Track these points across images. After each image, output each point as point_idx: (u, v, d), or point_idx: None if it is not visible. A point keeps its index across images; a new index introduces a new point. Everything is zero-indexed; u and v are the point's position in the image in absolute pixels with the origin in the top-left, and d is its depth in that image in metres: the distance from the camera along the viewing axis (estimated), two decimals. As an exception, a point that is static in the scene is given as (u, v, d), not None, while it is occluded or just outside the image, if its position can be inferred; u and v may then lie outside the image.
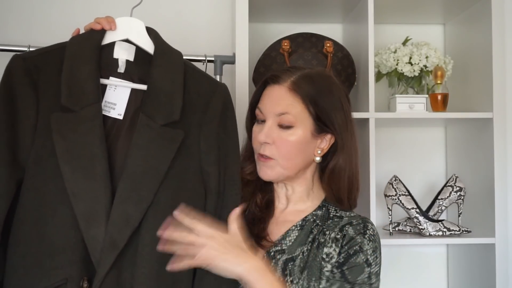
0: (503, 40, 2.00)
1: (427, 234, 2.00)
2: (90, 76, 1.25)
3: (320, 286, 1.31)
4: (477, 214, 2.10)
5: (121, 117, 1.30)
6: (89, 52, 1.27)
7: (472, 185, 2.10)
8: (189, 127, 1.30)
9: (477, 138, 2.10)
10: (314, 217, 1.40)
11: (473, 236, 2.01)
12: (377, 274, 1.34)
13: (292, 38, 2.00)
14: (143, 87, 1.31)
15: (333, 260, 1.33)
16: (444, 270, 2.32)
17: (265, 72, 1.99)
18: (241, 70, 1.88)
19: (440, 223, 2.01)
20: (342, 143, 1.38)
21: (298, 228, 1.39)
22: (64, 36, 2.08)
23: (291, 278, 1.32)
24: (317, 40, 2.01)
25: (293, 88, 1.35)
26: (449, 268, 2.31)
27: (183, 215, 1.21)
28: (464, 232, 2.01)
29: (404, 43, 2.12)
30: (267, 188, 1.45)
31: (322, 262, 1.33)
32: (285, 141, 1.35)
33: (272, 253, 1.37)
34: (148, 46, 1.35)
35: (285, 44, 1.97)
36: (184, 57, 1.84)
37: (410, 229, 2.08)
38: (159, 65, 1.31)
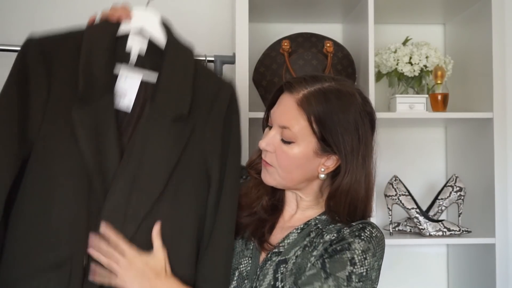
0: (503, 40, 2.00)
1: (427, 234, 2.00)
2: (106, 68, 1.30)
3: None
4: (477, 214, 2.10)
5: (130, 108, 1.34)
6: (105, 45, 1.31)
7: (472, 185, 2.10)
8: (196, 121, 1.34)
9: (477, 138, 2.10)
10: (317, 221, 1.37)
11: (473, 236, 2.01)
12: (361, 276, 1.25)
13: (292, 38, 2.00)
14: (153, 78, 1.35)
15: (319, 253, 1.30)
16: (444, 270, 2.32)
17: (265, 72, 1.99)
18: (241, 70, 1.89)
19: (440, 223, 2.01)
20: (346, 167, 1.30)
21: (299, 231, 1.36)
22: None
23: (282, 284, 1.29)
24: (317, 40, 2.01)
25: (301, 104, 1.29)
26: (449, 268, 2.31)
27: (109, 232, 1.23)
28: (464, 232, 2.01)
29: (404, 43, 2.12)
30: (277, 191, 1.42)
31: (308, 263, 1.30)
32: (284, 153, 1.31)
33: (269, 255, 1.35)
34: (161, 40, 1.38)
35: (285, 44, 1.97)
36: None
37: (410, 229, 2.08)
38: (170, 60, 1.35)
